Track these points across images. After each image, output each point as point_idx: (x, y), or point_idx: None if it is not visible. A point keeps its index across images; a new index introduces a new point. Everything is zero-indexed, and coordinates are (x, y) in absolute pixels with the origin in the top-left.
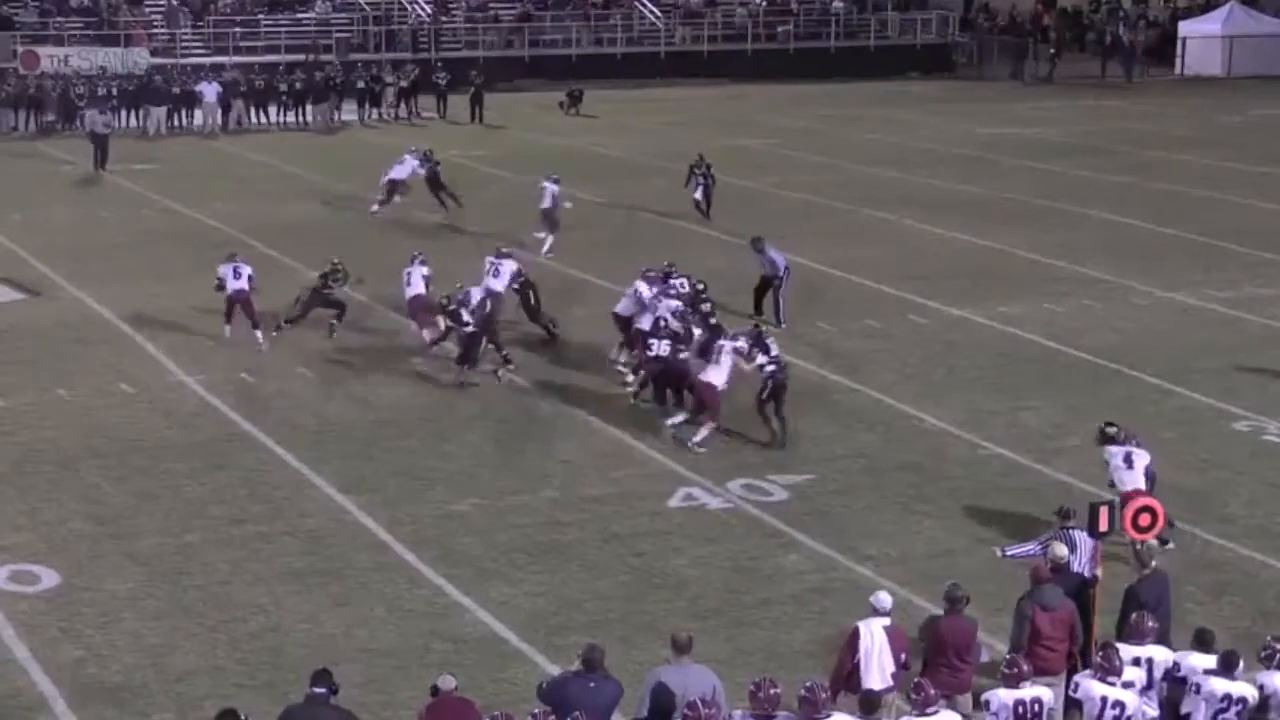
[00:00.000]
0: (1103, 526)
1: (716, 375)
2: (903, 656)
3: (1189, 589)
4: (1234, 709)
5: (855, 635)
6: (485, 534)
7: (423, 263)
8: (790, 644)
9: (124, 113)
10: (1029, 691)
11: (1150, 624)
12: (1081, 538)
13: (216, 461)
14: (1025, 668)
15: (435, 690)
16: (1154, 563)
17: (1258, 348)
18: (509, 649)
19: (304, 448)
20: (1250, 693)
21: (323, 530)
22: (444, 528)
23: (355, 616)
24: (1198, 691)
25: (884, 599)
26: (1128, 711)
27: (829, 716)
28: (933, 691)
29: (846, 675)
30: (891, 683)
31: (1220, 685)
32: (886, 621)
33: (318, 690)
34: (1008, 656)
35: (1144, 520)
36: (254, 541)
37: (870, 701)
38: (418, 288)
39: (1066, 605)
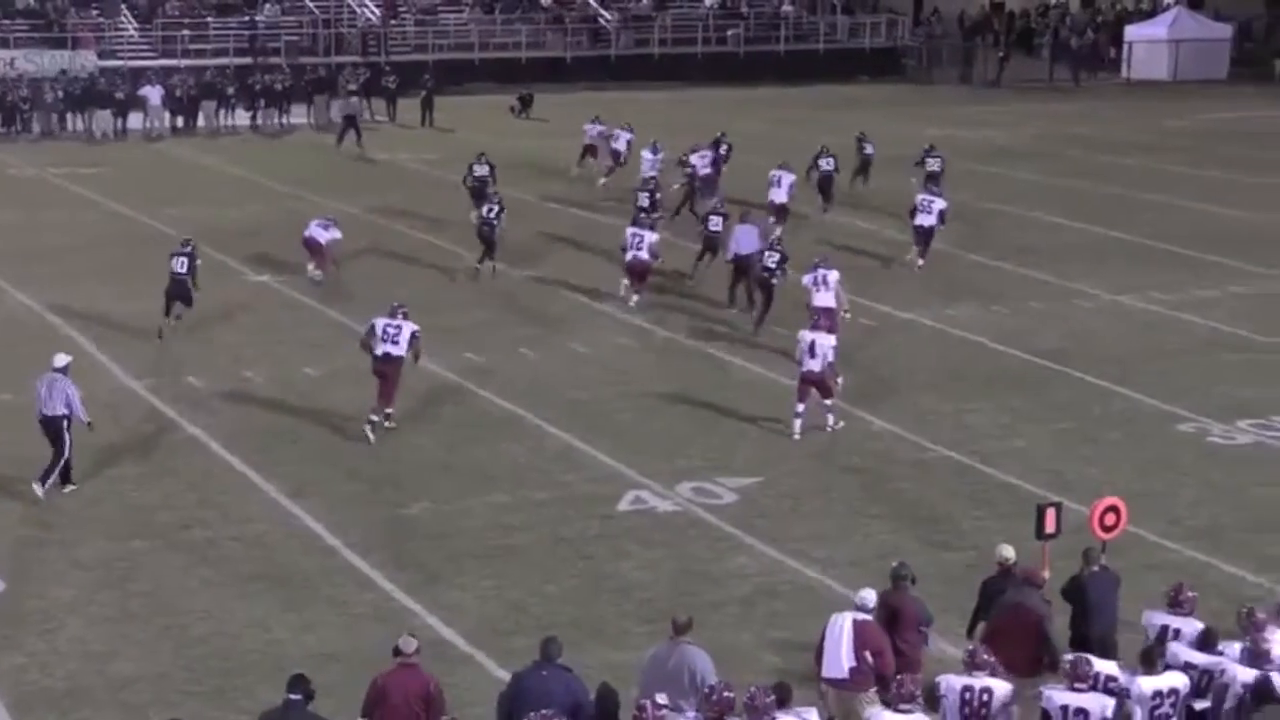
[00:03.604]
0: (1049, 528)
1: None
2: (867, 655)
3: (1135, 591)
4: (1166, 703)
5: (826, 622)
6: (434, 538)
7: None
8: (740, 646)
9: (70, 116)
10: (981, 681)
11: (1190, 594)
12: None
13: (163, 466)
14: (984, 657)
15: (397, 651)
16: (1103, 560)
17: (1202, 350)
18: (457, 653)
19: (252, 452)
20: (1180, 682)
21: (270, 535)
22: (393, 531)
23: (303, 621)
24: (1129, 695)
25: (865, 596)
26: (1090, 718)
27: (775, 717)
28: (911, 687)
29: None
30: (846, 675)
31: (1148, 683)
32: (860, 616)
33: (293, 696)
34: (972, 648)
35: (1109, 519)
36: (201, 547)
37: (781, 686)
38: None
39: (1034, 612)
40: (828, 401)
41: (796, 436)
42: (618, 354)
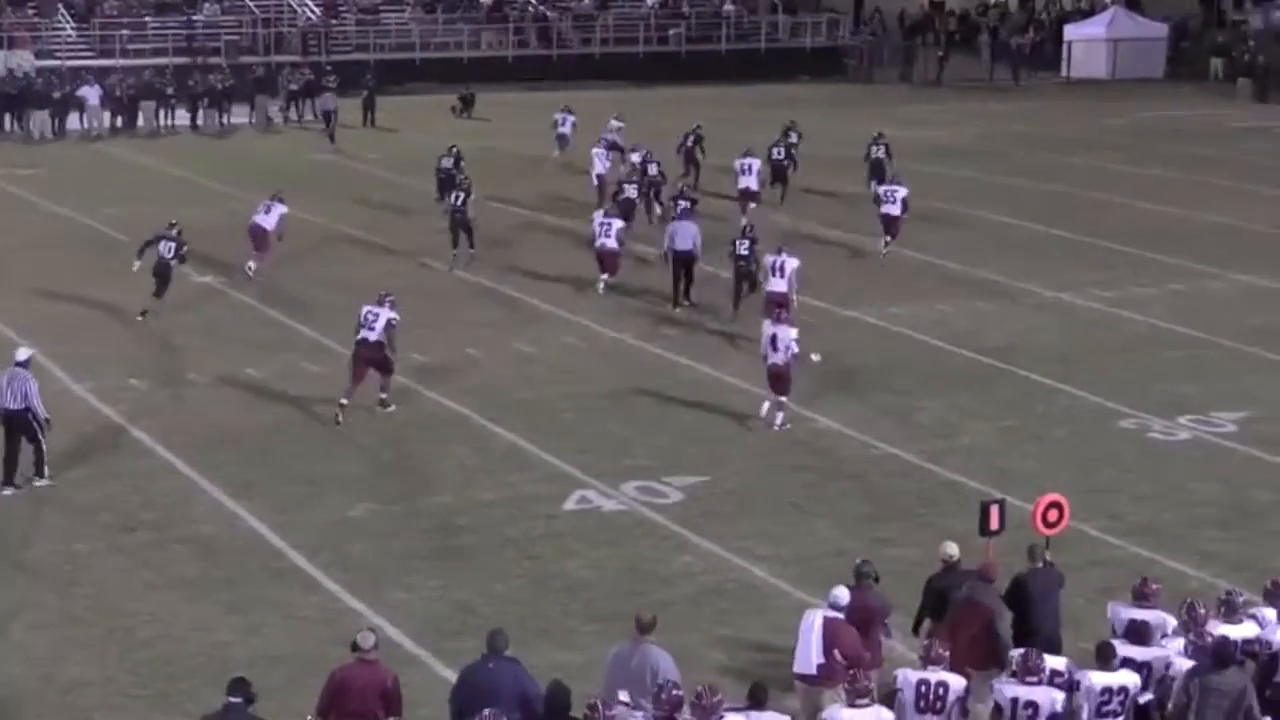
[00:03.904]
0: (993, 525)
1: None
2: (836, 652)
3: (1078, 587)
4: (1116, 700)
5: (801, 618)
6: (380, 539)
7: (284, 201)
8: (686, 645)
9: (6, 117)
10: (936, 675)
11: (1243, 599)
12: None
13: (107, 468)
14: (939, 652)
15: (355, 646)
16: (1047, 556)
17: (1143, 347)
18: (403, 654)
19: (195, 454)
20: (1132, 681)
21: (214, 537)
22: (338, 533)
23: (248, 624)
24: (1077, 688)
25: (837, 594)
26: (1041, 712)
27: (723, 717)
28: (867, 683)
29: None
30: (814, 672)
31: (1099, 678)
32: (831, 613)
33: (234, 700)
34: (926, 641)
35: (1052, 516)
36: (145, 549)
37: (757, 686)
38: (266, 222)
39: (987, 607)
40: (782, 398)
41: (760, 418)
42: (564, 354)
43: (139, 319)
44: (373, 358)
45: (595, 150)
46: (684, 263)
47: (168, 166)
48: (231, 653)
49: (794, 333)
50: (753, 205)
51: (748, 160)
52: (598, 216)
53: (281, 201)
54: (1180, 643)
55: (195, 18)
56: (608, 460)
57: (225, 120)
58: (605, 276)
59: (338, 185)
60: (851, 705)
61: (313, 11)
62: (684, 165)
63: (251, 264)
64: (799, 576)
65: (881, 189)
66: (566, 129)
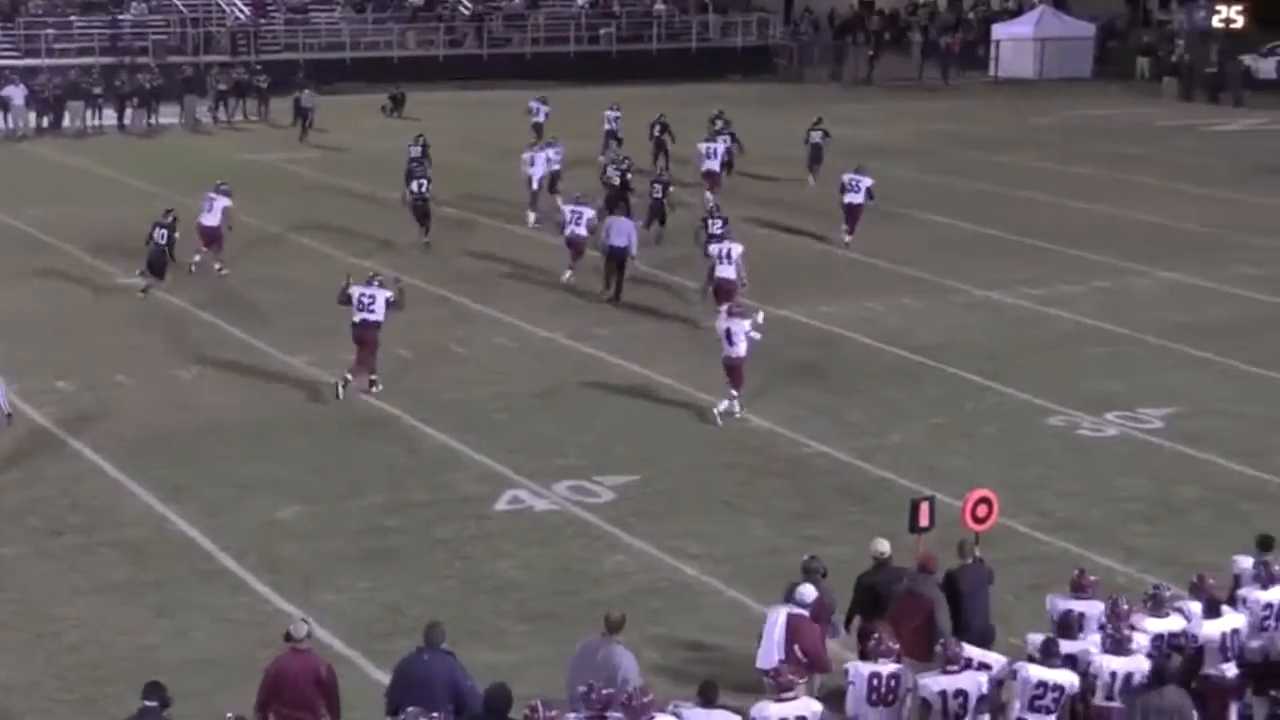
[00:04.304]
0: (923, 522)
1: None
2: (796, 648)
3: (1007, 582)
4: (1050, 695)
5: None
6: (309, 540)
7: (225, 193)
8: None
9: None
10: (887, 667)
11: (1169, 593)
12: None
13: (34, 471)
14: (888, 644)
15: (288, 636)
16: (977, 552)
17: (1070, 344)
18: (334, 655)
19: (123, 456)
20: (1069, 680)
21: (143, 540)
22: (267, 535)
23: (176, 627)
24: (1013, 678)
25: (803, 591)
26: (970, 698)
27: (653, 717)
28: (791, 677)
29: None
30: (775, 667)
31: (1036, 672)
32: (794, 610)
33: (149, 704)
34: (877, 635)
35: (981, 511)
36: (72, 553)
37: (707, 684)
38: (209, 219)
39: (927, 599)
40: (734, 391)
41: (735, 415)
42: (495, 354)
43: (140, 295)
44: (370, 339)
45: (528, 153)
46: (618, 259)
47: (95, 167)
48: (160, 656)
49: (747, 324)
50: (708, 195)
51: (712, 145)
52: (569, 206)
53: (223, 194)
54: (1098, 637)
55: (122, 17)
56: (539, 460)
57: (153, 120)
58: (570, 265)
59: (269, 185)
60: (778, 700)
61: (241, 11)
62: (654, 153)
63: (204, 262)
64: (731, 575)
65: (846, 177)
66: (540, 118)
